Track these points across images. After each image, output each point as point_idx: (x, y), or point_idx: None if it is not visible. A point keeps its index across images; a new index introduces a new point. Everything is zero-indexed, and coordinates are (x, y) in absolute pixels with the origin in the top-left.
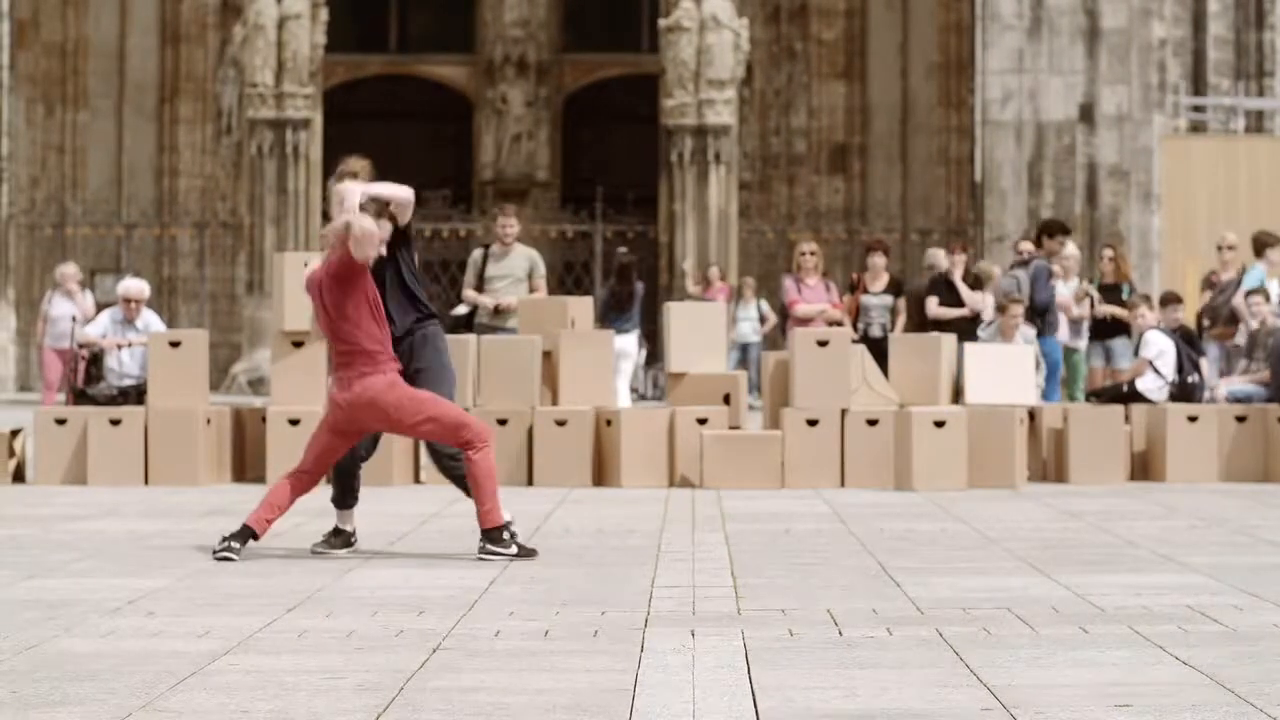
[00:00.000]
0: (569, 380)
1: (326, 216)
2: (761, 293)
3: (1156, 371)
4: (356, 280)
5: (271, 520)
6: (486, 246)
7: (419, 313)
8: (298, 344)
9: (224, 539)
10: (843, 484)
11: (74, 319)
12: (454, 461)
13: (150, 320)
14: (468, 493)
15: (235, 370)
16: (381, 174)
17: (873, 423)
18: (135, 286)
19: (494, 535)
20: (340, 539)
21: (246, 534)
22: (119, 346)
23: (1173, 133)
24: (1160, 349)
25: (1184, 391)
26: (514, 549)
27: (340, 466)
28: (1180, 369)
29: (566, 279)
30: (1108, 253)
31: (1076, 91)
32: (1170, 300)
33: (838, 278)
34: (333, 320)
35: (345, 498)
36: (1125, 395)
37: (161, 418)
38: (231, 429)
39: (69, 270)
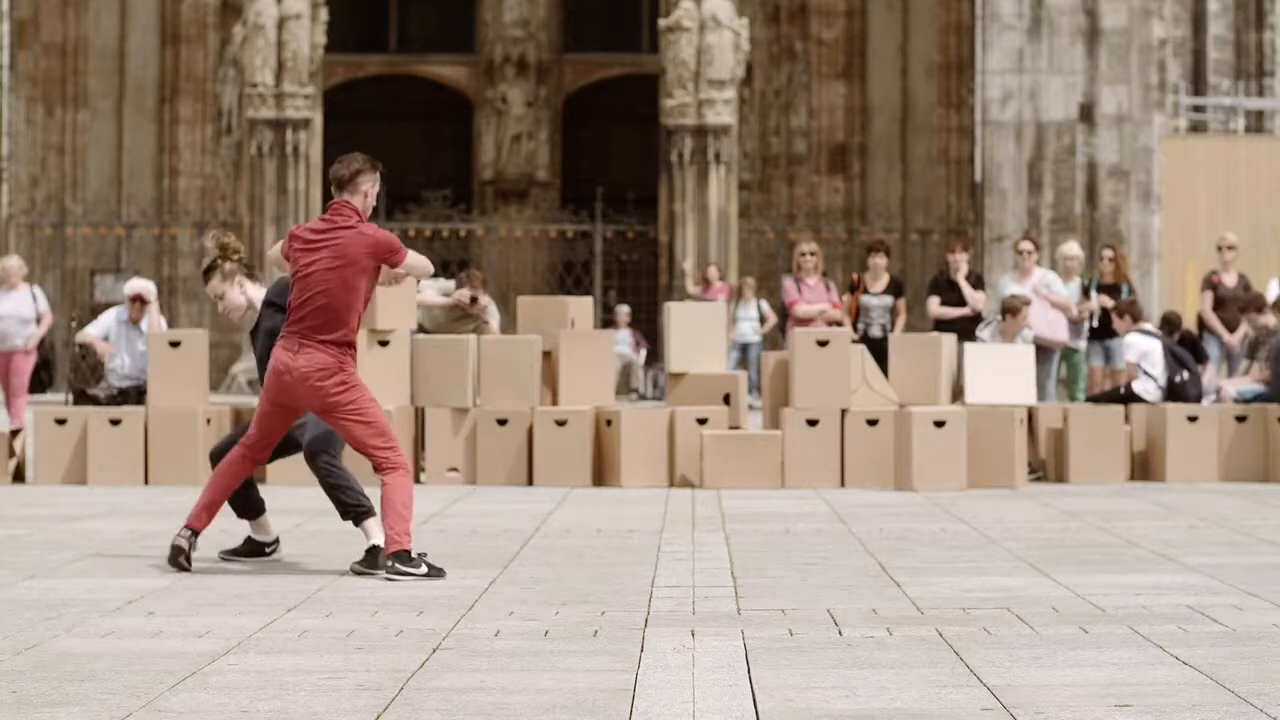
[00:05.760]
0: (569, 380)
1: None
2: (761, 293)
3: (1146, 373)
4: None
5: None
6: None
7: None
8: None
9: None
10: (843, 484)
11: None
12: (328, 464)
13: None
14: (335, 502)
15: (235, 370)
16: (383, 174)
17: (873, 423)
18: (142, 286)
19: (402, 557)
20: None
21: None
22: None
23: (1173, 133)
24: (1143, 350)
25: (1173, 391)
26: (424, 569)
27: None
28: (1167, 367)
29: (566, 279)
30: (1107, 253)
31: (1076, 91)
32: (1171, 323)
33: (838, 278)
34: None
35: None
36: (1123, 398)
37: (161, 418)
38: (231, 429)
39: (11, 264)
